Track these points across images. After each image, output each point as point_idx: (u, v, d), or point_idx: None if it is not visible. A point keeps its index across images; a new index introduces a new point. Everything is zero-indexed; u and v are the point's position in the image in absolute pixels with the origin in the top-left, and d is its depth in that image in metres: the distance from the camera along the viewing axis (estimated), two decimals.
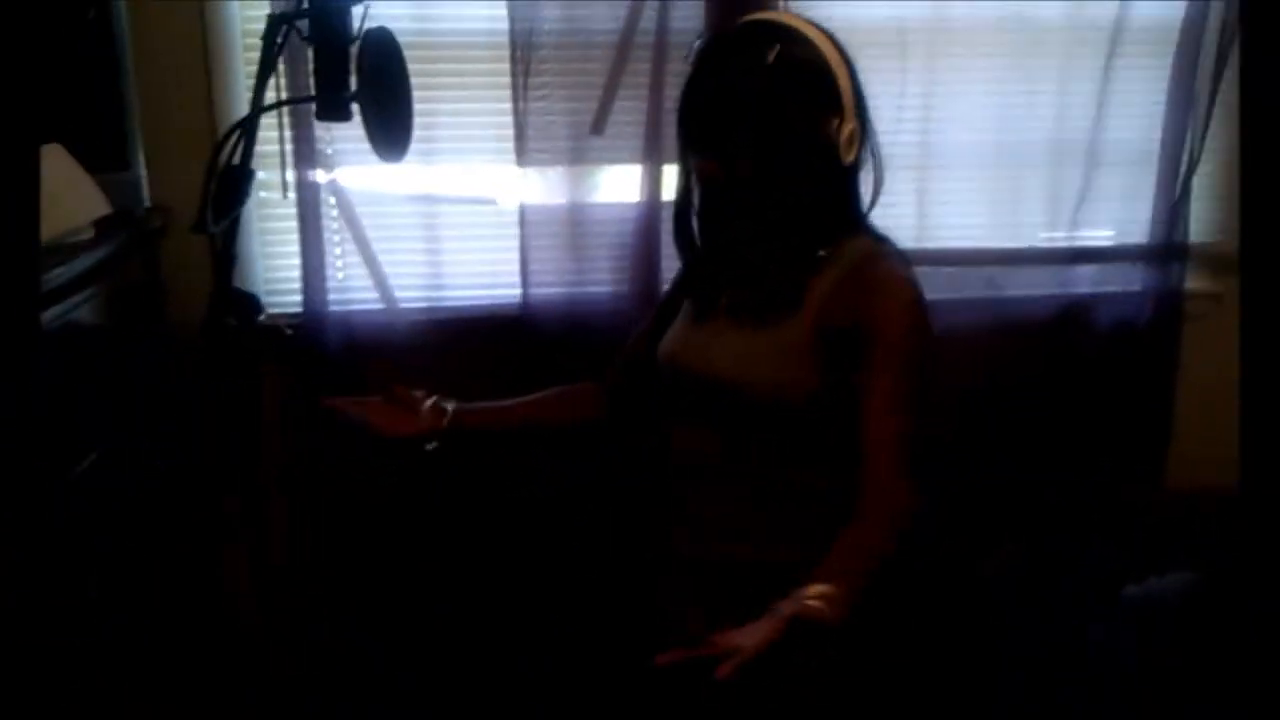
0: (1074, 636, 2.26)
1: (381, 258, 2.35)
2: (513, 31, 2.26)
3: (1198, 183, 2.59)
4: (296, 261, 2.32)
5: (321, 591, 2.40)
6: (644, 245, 2.39)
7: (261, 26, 1.59)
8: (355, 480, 2.37)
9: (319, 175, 2.27)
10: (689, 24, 2.28)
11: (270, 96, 1.60)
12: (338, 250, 2.36)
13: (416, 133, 1.73)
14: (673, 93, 2.13)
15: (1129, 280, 2.62)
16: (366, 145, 1.64)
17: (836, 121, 1.54)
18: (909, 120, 2.43)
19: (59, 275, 1.69)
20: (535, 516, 2.39)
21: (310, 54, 1.62)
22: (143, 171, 2.15)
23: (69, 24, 1.97)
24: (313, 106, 1.65)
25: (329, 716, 2.28)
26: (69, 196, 1.85)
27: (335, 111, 1.61)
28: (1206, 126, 2.53)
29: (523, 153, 2.32)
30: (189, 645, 2.07)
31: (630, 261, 2.41)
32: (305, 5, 1.59)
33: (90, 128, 1.99)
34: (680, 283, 1.81)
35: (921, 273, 1.61)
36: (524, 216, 2.37)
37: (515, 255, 2.39)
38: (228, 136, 1.55)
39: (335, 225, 2.34)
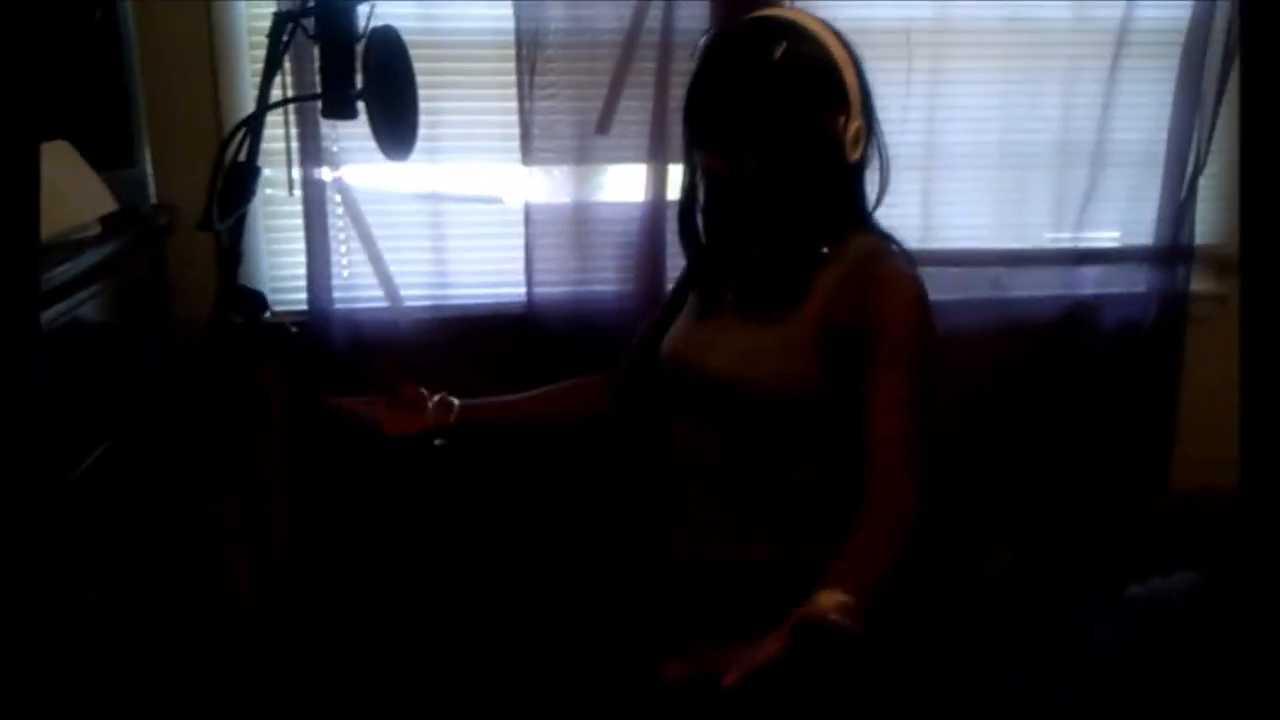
0: (1077, 636, 2.26)
1: (387, 256, 2.36)
2: (518, 30, 2.26)
3: (1202, 184, 2.59)
4: (302, 259, 2.33)
5: (321, 591, 2.40)
6: (649, 244, 2.40)
7: (267, 24, 1.59)
8: (355, 480, 2.37)
9: (325, 173, 2.28)
10: (694, 23, 2.28)
11: (276, 94, 1.60)
12: (343, 248, 2.36)
13: (422, 131, 1.73)
14: (678, 92, 2.14)
15: (1134, 282, 2.63)
16: (372, 143, 1.64)
17: (842, 119, 1.53)
18: (914, 120, 2.43)
19: (65, 272, 1.69)
20: (536, 516, 2.39)
21: (316, 52, 1.62)
22: (149, 169, 2.15)
23: (75, 23, 1.97)
24: (319, 104, 1.66)
25: (329, 716, 2.29)
26: (75, 193, 1.85)
27: (341, 109, 1.62)
28: (1212, 128, 2.53)
29: (528, 151, 2.32)
30: (189, 645, 2.07)
31: (635, 260, 2.42)
32: (311, 3, 1.59)
33: (96, 125, 1.99)
34: (685, 280, 1.81)
35: (926, 273, 1.61)
36: (529, 215, 2.37)
37: (520, 254, 2.40)
38: (233, 134, 1.55)
39: (341, 223, 2.34)
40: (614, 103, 2.31)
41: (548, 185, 2.35)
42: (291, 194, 2.23)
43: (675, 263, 2.18)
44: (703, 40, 1.59)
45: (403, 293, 2.38)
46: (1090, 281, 2.61)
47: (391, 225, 2.36)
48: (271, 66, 1.58)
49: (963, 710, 2.10)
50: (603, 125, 2.32)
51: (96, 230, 1.89)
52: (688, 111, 1.58)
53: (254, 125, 1.55)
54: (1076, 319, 2.61)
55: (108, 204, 1.91)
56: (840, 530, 1.51)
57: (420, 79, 1.71)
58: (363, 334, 2.37)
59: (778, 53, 1.50)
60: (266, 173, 1.75)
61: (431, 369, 2.33)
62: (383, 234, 2.35)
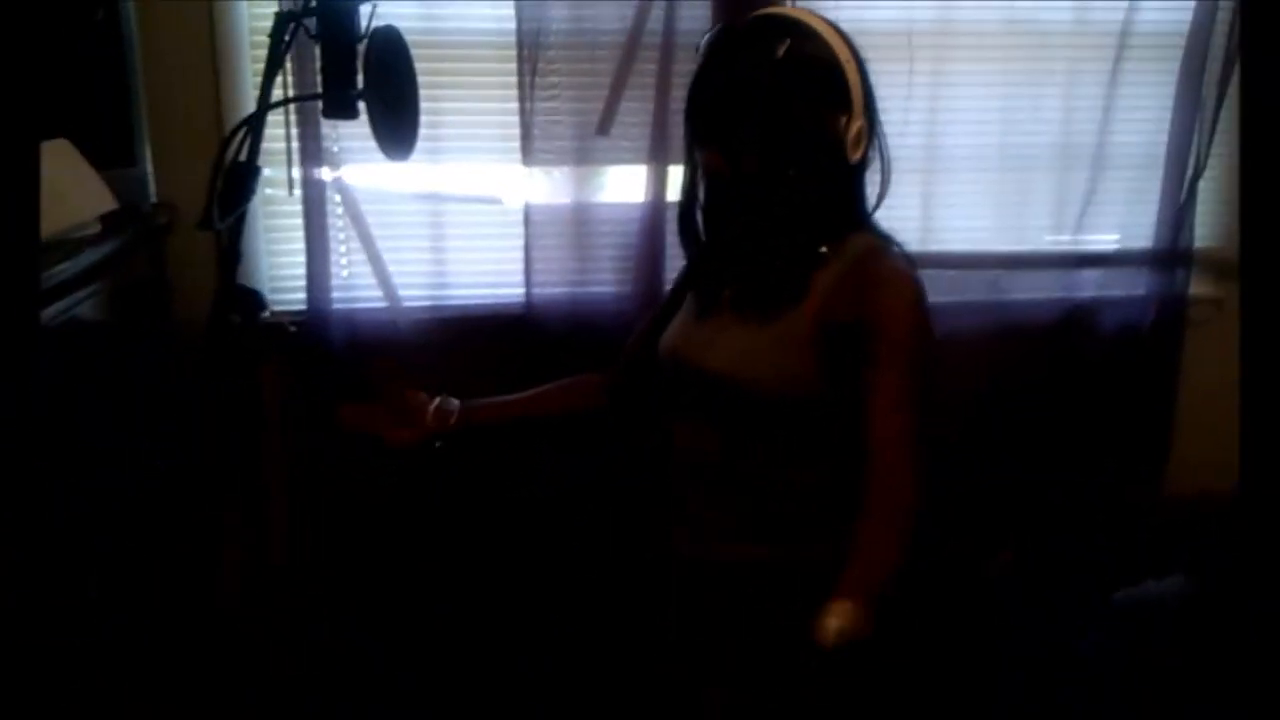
0: (1070, 638, 2.27)
1: (386, 256, 2.35)
2: (520, 31, 2.26)
3: (1200, 187, 2.59)
4: (302, 259, 2.32)
5: (321, 591, 2.40)
6: (648, 246, 2.40)
7: (269, 24, 1.59)
8: (355, 480, 2.37)
9: (325, 173, 2.28)
10: (696, 24, 2.28)
11: (277, 94, 1.60)
12: (342, 248, 2.36)
13: (422, 131, 1.73)
14: (679, 93, 2.14)
15: (1133, 285, 2.63)
16: (372, 143, 1.64)
17: (844, 119, 1.53)
18: (914, 122, 2.43)
19: (64, 270, 1.68)
20: (536, 516, 2.39)
21: (317, 52, 1.62)
22: (149, 168, 2.15)
23: (76, 22, 1.97)
24: (319, 104, 1.65)
25: (329, 716, 2.29)
26: (75, 192, 1.85)
27: (342, 109, 1.61)
28: (1213, 132, 2.53)
29: (529, 152, 2.32)
30: (189, 645, 2.07)
31: (634, 262, 2.41)
32: (313, 3, 1.58)
33: (97, 124, 1.99)
34: (683, 279, 1.81)
35: (925, 275, 1.61)
36: (529, 216, 2.37)
37: (520, 255, 2.39)
38: (234, 133, 1.55)
39: (340, 223, 2.34)
40: (615, 104, 2.31)
41: (548, 186, 2.35)
42: (291, 194, 2.23)
43: (674, 264, 2.18)
44: (706, 37, 1.60)
45: (402, 293, 2.38)
46: (1089, 284, 2.62)
47: (391, 225, 2.36)
48: (273, 66, 1.58)
49: (962, 710, 2.10)
50: (603, 126, 2.32)
51: (96, 229, 1.89)
52: (690, 108, 1.58)
53: (255, 124, 1.55)
54: (1075, 322, 2.62)
55: (107, 203, 1.91)
56: (840, 530, 1.51)
57: (421, 79, 1.71)
58: (361, 334, 2.37)
59: (781, 51, 1.50)
60: (267, 172, 1.75)
61: (430, 369, 2.34)
62: (382, 234, 2.34)
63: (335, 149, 2.26)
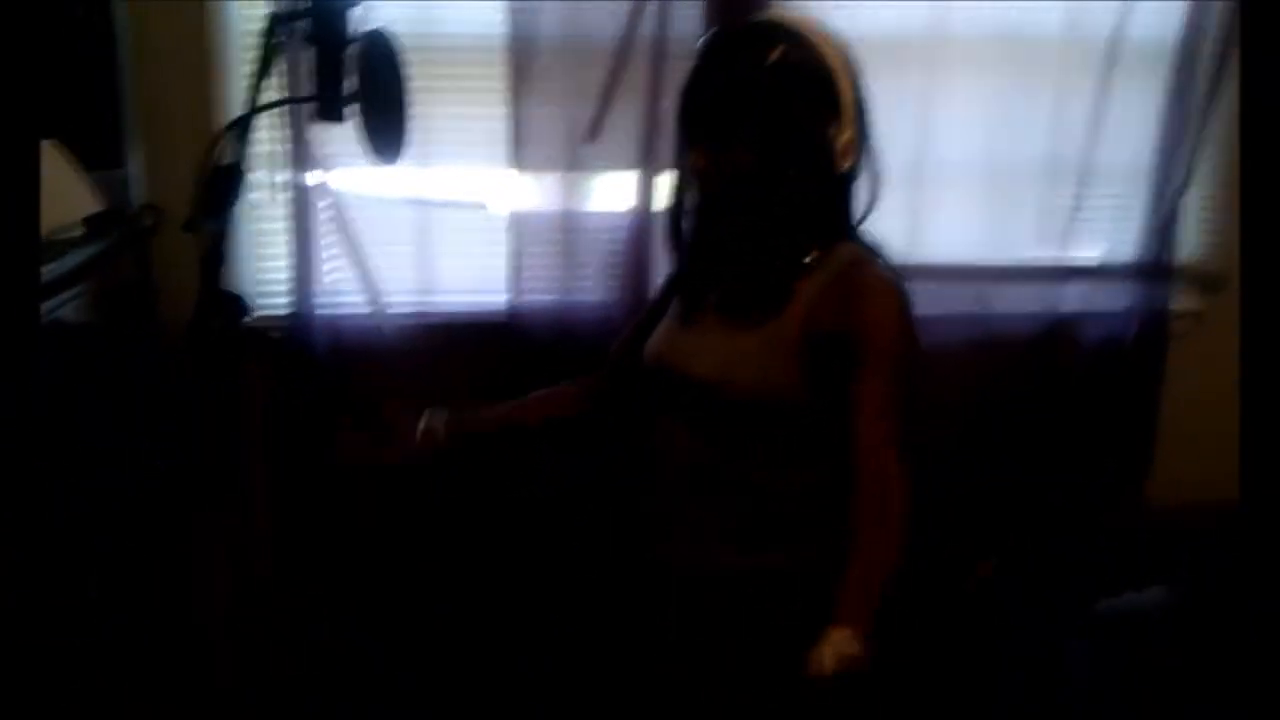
0: (1052, 649, 2.28)
1: (370, 261, 2.34)
2: (510, 36, 2.26)
3: (1181, 202, 2.60)
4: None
5: (321, 592, 2.39)
6: (634, 254, 2.39)
7: (260, 26, 1.59)
8: (355, 480, 2.36)
9: (311, 177, 2.26)
10: (687, 32, 2.27)
11: (268, 98, 1.60)
12: (327, 253, 2.34)
13: (412, 135, 1.73)
14: (669, 100, 2.13)
15: (1116, 298, 2.63)
16: (358, 148, 1.64)
17: (834, 127, 1.54)
18: (901, 134, 2.43)
19: (47, 272, 1.68)
20: (536, 516, 2.38)
21: (308, 55, 1.62)
22: (136, 170, 2.14)
23: (60, 21, 1.96)
24: (307, 108, 1.65)
25: (329, 716, 2.28)
26: (58, 194, 1.84)
27: (332, 112, 1.61)
28: (1199, 146, 2.54)
29: (517, 157, 2.32)
30: (189, 646, 2.06)
31: (620, 270, 2.41)
32: (305, 6, 1.58)
33: (84, 125, 1.99)
34: (668, 285, 1.82)
35: (910, 288, 1.62)
36: (514, 222, 2.37)
37: (504, 261, 2.39)
38: (220, 136, 1.54)
39: (325, 227, 2.33)
40: (605, 110, 2.31)
41: (536, 191, 2.34)
42: (275, 198, 2.22)
43: (660, 273, 2.18)
44: (701, 39, 1.61)
45: (386, 298, 2.37)
46: (1073, 298, 2.62)
47: (376, 230, 2.34)
48: (263, 69, 1.58)
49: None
50: (593, 132, 2.32)
51: (79, 231, 1.88)
52: (683, 108, 1.59)
53: (243, 127, 1.55)
54: (1059, 335, 2.62)
55: (89, 204, 1.90)
56: (827, 534, 1.51)
57: (411, 83, 1.70)
58: (345, 339, 2.36)
59: (773, 56, 1.51)
60: (258, 175, 1.74)
61: (414, 375, 2.34)
62: (367, 239, 2.33)
63: (322, 153, 2.25)
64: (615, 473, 2.19)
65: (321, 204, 2.29)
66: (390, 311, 2.37)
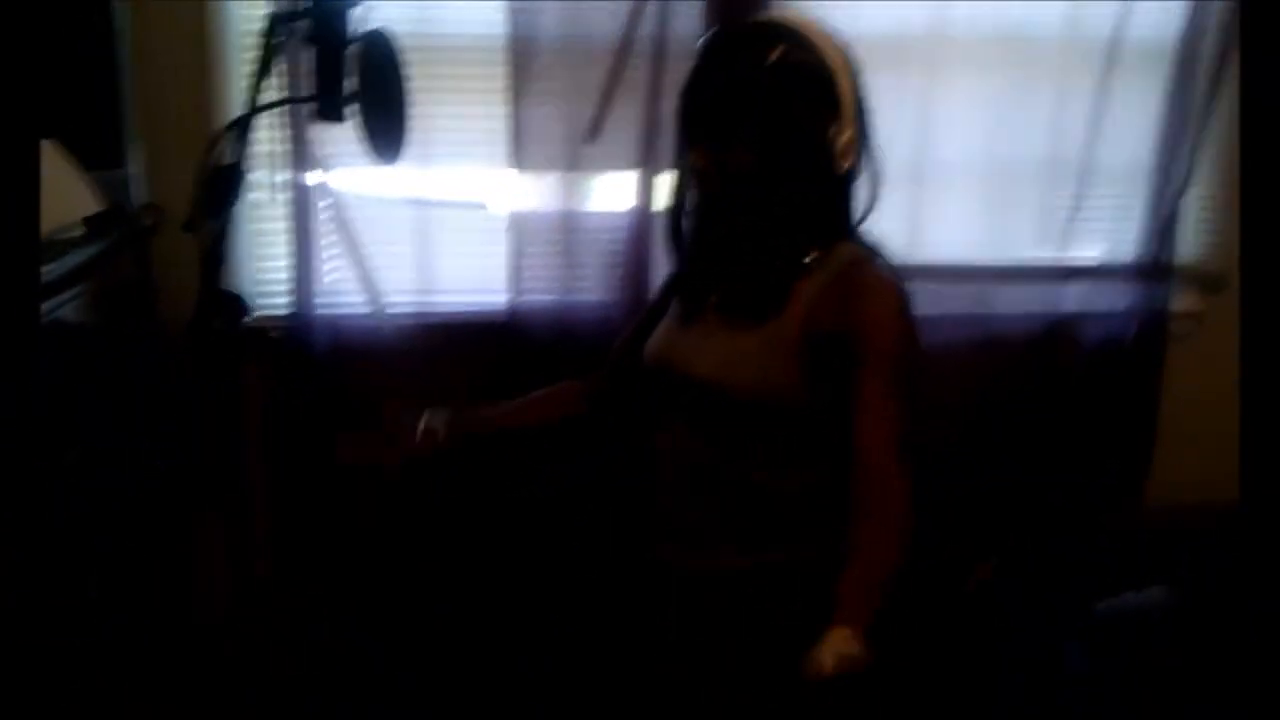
0: (1052, 649, 2.28)
1: (370, 261, 2.34)
2: (511, 35, 2.26)
3: (1181, 202, 2.60)
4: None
5: (319, 592, 2.39)
6: (634, 254, 2.39)
7: (260, 26, 1.59)
8: (354, 480, 2.36)
9: (312, 177, 2.26)
10: (687, 32, 2.28)
11: (268, 98, 1.60)
12: (327, 253, 2.34)
13: (411, 135, 1.73)
14: (669, 100, 2.13)
15: (1116, 298, 2.63)
16: (358, 147, 1.64)
17: (834, 127, 1.54)
18: (901, 133, 2.43)
19: (47, 272, 1.68)
20: (536, 516, 2.38)
21: (308, 55, 1.62)
22: (136, 169, 2.14)
23: (58, 21, 1.96)
24: (307, 108, 1.65)
25: (329, 716, 2.28)
26: (57, 193, 1.84)
27: (332, 112, 1.61)
28: (1199, 146, 2.54)
29: (518, 158, 2.32)
30: (188, 646, 2.06)
31: (619, 270, 2.41)
32: (305, 6, 1.58)
33: (84, 125, 1.98)
34: (668, 285, 1.82)
35: (910, 288, 1.62)
36: (514, 222, 2.37)
37: (504, 261, 2.39)
38: (220, 136, 1.54)
39: (325, 227, 2.33)
40: (605, 110, 2.31)
41: (536, 191, 2.34)
42: (274, 198, 2.22)
43: (660, 273, 2.18)
44: (702, 39, 1.61)
45: (386, 298, 2.37)
46: (1073, 298, 2.62)
47: (376, 230, 2.34)
48: (263, 69, 1.58)
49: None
50: (593, 132, 2.32)
51: (79, 231, 1.88)
52: (683, 108, 1.59)
53: (243, 127, 1.54)
54: (1058, 335, 2.62)
55: (89, 204, 1.90)
56: (828, 534, 1.51)
57: (411, 83, 1.70)
58: (344, 339, 2.36)
59: (773, 56, 1.51)
60: (258, 175, 1.74)
61: (413, 375, 2.33)
62: (367, 239, 2.33)
63: (322, 153, 2.25)
64: (615, 473, 2.19)
65: (321, 204, 2.29)
66: (390, 311, 2.37)
